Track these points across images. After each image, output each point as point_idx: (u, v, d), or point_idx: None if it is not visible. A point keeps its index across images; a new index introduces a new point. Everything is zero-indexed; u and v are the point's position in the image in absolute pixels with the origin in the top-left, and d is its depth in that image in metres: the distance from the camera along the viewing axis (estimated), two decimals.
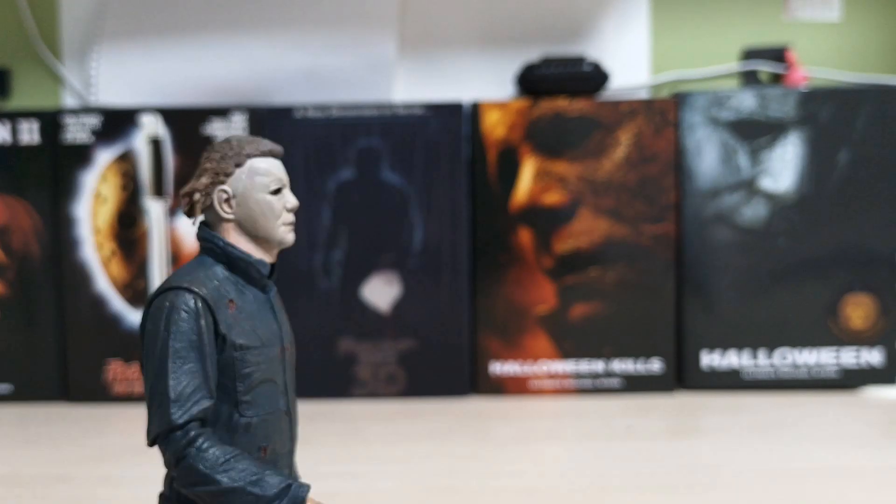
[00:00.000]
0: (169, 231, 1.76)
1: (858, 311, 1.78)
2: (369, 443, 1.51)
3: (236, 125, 1.74)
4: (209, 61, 1.90)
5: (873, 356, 1.78)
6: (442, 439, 1.54)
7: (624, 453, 1.44)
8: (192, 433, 0.69)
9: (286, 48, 1.90)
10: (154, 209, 1.76)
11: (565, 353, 1.78)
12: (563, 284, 1.77)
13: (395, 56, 1.91)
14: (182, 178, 1.75)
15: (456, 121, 1.75)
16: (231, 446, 0.71)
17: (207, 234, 0.75)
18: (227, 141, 0.76)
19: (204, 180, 0.75)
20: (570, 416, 1.66)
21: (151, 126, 1.75)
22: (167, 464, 0.71)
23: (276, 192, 0.76)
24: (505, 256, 1.77)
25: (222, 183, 0.75)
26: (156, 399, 0.70)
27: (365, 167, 1.75)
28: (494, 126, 1.76)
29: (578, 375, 1.79)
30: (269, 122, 1.75)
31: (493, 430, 1.59)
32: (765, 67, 1.90)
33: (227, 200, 0.75)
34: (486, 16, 1.95)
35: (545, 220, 1.76)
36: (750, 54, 1.91)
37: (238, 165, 0.75)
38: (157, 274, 1.76)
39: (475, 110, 1.76)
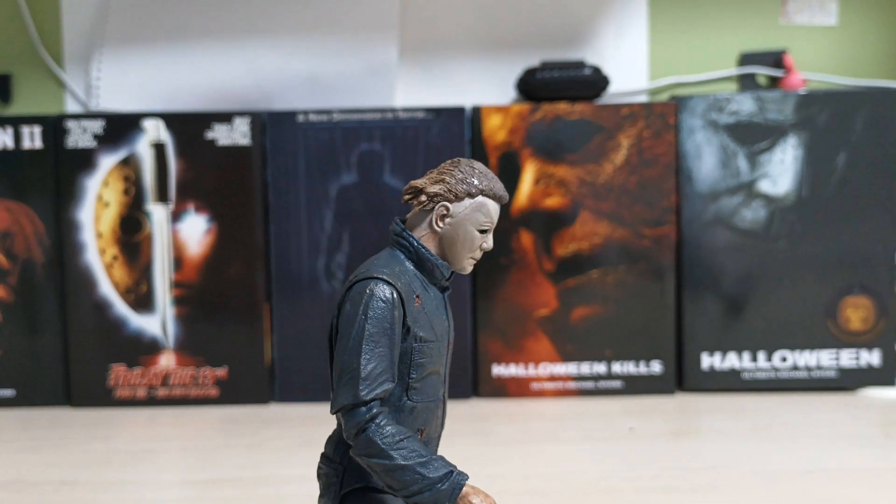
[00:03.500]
0: (172, 236, 1.77)
1: (857, 312, 1.79)
2: None
3: (239, 130, 1.75)
4: (211, 66, 1.91)
5: (872, 357, 1.80)
6: (444, 441, 1.54)
7: (626, 454, 1.45)
8: (375, 410, 0.77)
9: (288, 53, 1.91)
10: (157, 214, 1.77)
11: (566, 355, 1.79)
12: (563, 287, 1.78)
13: (397, 61, 1.92)
14: (185, 182, 1.76)
15: (457, 125, 1.76)
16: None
17: (405, 233, 0.82)
18: (472, 167, 0.83)
19: (436, 189, 0.82)
20: (572, 418, 1.67)
21: (154, 131, 1.76)
22: (347, 434, 0.77)
23: (484, 231, 0.83)
24: (506, 259, 1.78)
25: (449, 201, 0.82)
26: (346, 374, 0.77)
27: (366, 171, 1.76)
28: (495, 130, 1.77)
29: (580, 377, 1.79)
30: (272, 127, 1.76)
31: (496, 432, 1.60)
32: (762, 71, 1.91)
33: (444, 217, 0.82)
34: (487, 21, 1.96)
35: (546, 223, 1.77)
36: (747, 59, 1.93)
37: (470, 196, 0.82)
38: (160, 279, 1.77)
39: (476, 114, 1.77)
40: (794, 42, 1.97)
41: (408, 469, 0.75)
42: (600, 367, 1.79)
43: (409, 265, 0.82)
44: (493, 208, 0.83)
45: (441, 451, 1.46)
